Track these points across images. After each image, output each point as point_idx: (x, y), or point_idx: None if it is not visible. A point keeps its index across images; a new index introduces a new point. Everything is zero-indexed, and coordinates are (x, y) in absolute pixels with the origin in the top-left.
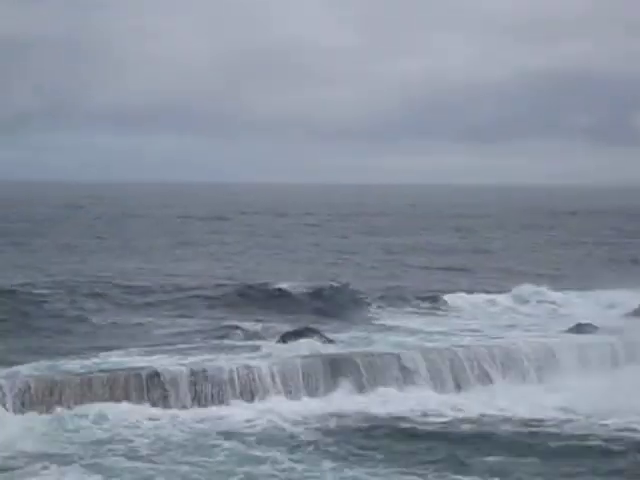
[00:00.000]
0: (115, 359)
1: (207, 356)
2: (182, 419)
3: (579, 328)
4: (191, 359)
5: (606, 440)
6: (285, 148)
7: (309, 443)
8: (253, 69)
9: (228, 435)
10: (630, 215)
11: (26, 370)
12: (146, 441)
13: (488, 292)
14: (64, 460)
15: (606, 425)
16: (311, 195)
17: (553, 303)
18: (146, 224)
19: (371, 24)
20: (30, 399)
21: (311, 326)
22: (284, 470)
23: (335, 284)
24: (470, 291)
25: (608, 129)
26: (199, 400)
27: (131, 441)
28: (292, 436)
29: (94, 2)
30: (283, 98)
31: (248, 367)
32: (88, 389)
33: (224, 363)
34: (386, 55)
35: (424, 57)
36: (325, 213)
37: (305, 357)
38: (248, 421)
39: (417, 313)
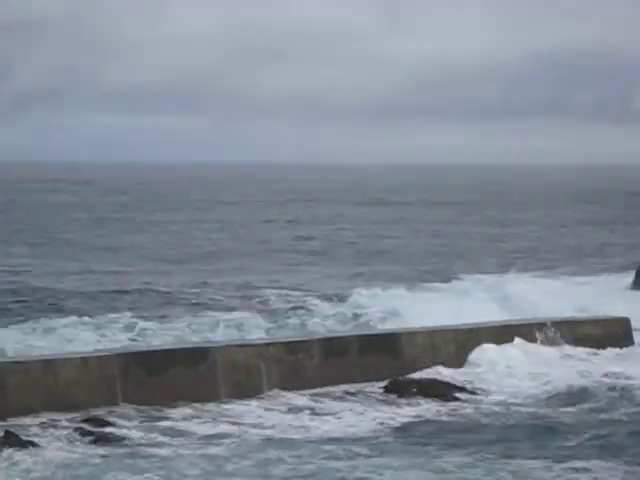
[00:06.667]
0: None
1: None
2: None
3: None
4: None
5: None
6: (288, 129)
7: None
8: (259, 50)
9: None
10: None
11: None
12: None
13: None
14: None
15: None
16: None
17: None
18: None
19: (376, 4)
20: None
21: None
22: None
23: None
24: None
25: (621, 107)
26: None
27: None
28: None
29: None
30: (288, 79)
31: None
32: None
33: None
34: (393, 35)
35: (431, 37)
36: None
37: None
38: None
39: None
